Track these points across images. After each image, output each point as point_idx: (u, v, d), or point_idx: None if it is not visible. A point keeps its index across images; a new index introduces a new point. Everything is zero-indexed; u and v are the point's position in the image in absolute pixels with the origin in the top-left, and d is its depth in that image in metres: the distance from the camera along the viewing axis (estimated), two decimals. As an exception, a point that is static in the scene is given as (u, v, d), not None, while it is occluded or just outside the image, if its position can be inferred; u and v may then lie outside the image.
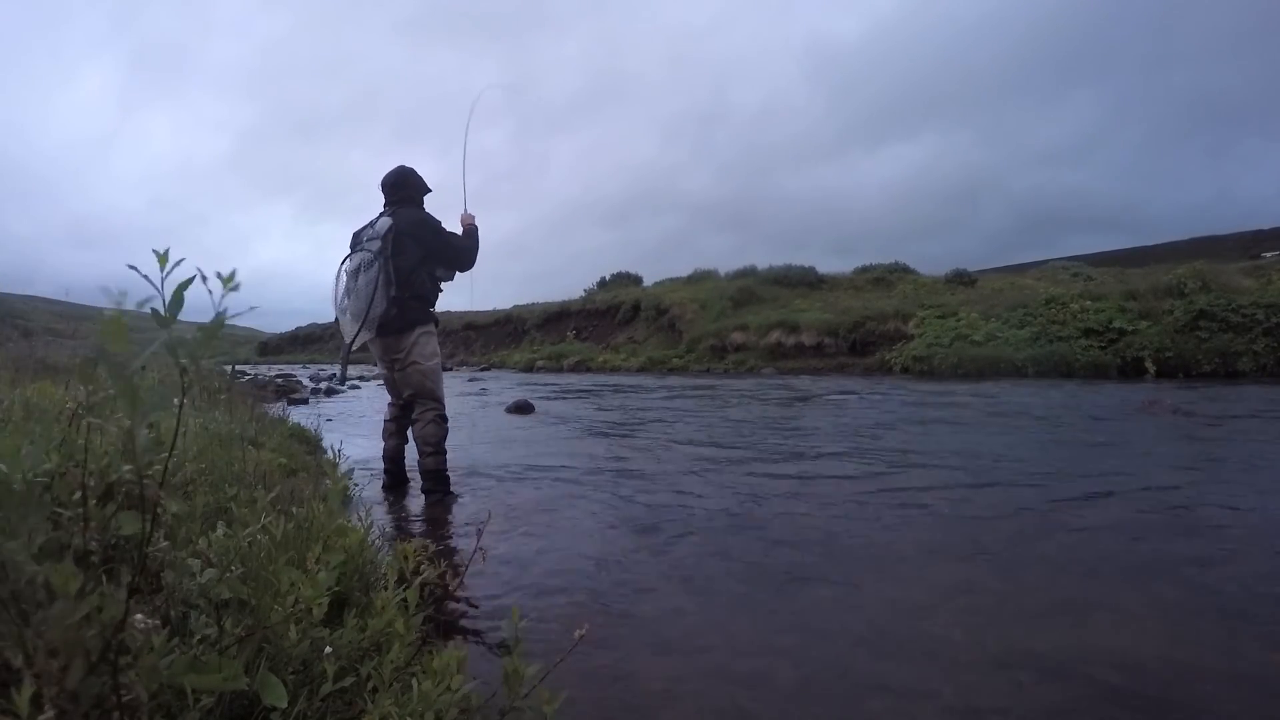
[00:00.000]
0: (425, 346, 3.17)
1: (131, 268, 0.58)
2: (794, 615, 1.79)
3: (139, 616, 0.59)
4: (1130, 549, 2.27)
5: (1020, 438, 4.81)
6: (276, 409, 5.71)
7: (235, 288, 0.59)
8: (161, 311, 0.58)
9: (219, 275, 0.59)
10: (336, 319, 3.12)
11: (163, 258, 0.57)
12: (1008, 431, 5.12)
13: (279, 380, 13.13)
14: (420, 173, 3.32)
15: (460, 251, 3.27)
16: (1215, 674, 1.44)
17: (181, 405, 0.63)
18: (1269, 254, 19.36)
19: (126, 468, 0.60)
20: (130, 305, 0.62)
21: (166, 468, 0.64)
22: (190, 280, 0.58)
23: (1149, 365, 10.94)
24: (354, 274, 3.00)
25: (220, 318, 0.60)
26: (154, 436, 0.65)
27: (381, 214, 3.15)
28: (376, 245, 2.98)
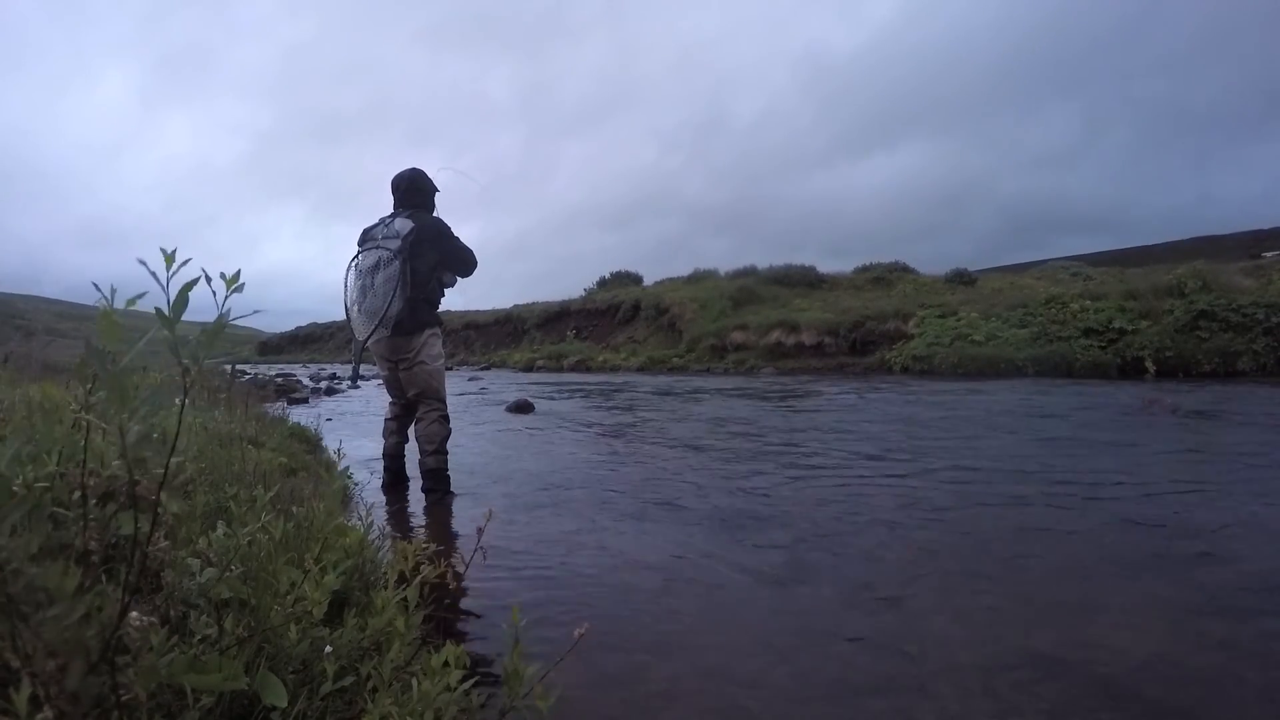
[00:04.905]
0: (433, 347, 3.21)
1: (140, 262, 0.59)
2: (794, 615, 1.79)
3: (134, 614, 0.59)
4: (1130, 548, 2.27)
5: (1020, 437, 4.81)
6: (276, 408, 5.71)
7: (239, 288, 0.60)
8: (165, 311, 0.58)
9: (222, 276, 0.59)
10: (347, 314, 3.12)
11: (169, 257, 0.57)
12: (1008, 431, 5.12)
13: (279, 380, 13.13)
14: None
15: (467, 260, 3.34)
16: (1216, 673, 1.44)
17: (184, 405, 0.63)
18: (1269, 254, 19.35)
19: (115, 462, 0.60)
20: (140, 306, 0.62)
21: (167, 468, 0.64)
22: (195, 281, 0.58)
23: (1149, 365, 10.93)
24: (370, 271, 3.01)
25: (223, 319, 0.60)
26: (158, 437, 0.65)
27: (397, 214, 3.16)
28: (395, 244, 3.00)
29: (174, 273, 0.58)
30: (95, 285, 0.57)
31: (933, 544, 2.36)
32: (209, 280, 0.58)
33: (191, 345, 0.59)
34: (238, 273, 0.60)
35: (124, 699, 0.58)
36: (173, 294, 0.58)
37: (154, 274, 0.57)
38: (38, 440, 0.73)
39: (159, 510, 0.65)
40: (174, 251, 0.58)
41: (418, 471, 3.24)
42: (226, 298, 0.59)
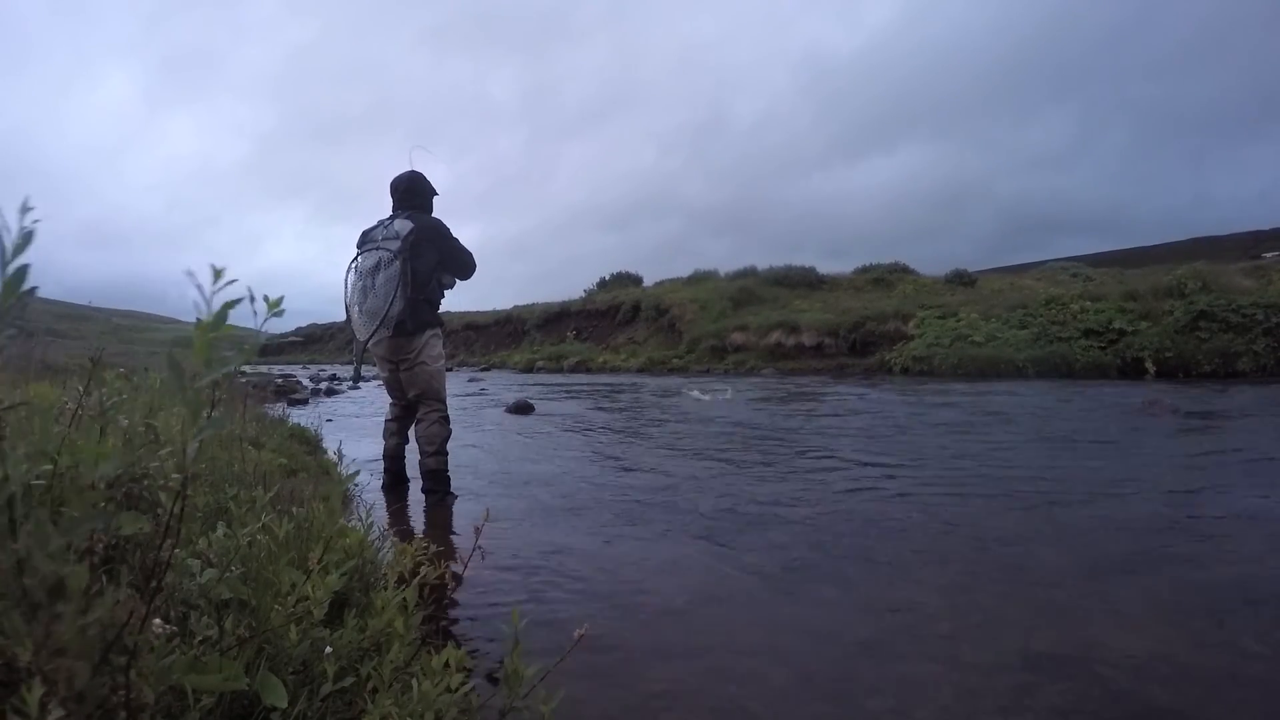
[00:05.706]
0: (433, 348, 3.21)
1: (188, 274, 0.59)
2: (794, 615, 1.79)
3: (157, 621, 0.59)
4: (1130, 549, 2.27)
5: (1020, 438, 4.81)
6: (277, 409, 5.71)
7: (280, 313, 0.61)
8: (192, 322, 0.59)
9: (265, 298, 0.60)
10: (348, 315, 3.12)
11: (218, 272, 0.58)
12: (1008, 432, 5.12)
13: (279, 380, 13.13)
14: (430, 177, 3.36)
15: (466, 261, 3.34)
16: (1215, 673, 1.44)
17: (210, 415, 0.64)
18: (1269, 254, 19.35)
19: (175, 475, 0.61)
20: (141, 307, 0.62)
21: (185, 476, 0.64)
22: (238, 301, 0.59)
23: (1149, 365, 10.94)
24: (371, 272, 3.01)
25: (258, 337, 0.61)
26: (161, 439, 0.65)
27: (396, 215, 3.16)
28: (395, 245, 2.99)
29: (218, 289, 0.59)
30: (196, 303, 0.58)
31: (934, 545, 2.37)
32: (251, 300, 0.60)
33: (232, 358, 0.60)
34: (280, 298, 0.62)
35: (131, 699, 0.58)
36: (215, 306, 0.59)
37: (199, 287, 0.58)
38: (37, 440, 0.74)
39: (159, 512, 0.66)
40: (222, 270, 0.59)
41: (418, 472, 3.24)
42: (266, 320, 0.61)
